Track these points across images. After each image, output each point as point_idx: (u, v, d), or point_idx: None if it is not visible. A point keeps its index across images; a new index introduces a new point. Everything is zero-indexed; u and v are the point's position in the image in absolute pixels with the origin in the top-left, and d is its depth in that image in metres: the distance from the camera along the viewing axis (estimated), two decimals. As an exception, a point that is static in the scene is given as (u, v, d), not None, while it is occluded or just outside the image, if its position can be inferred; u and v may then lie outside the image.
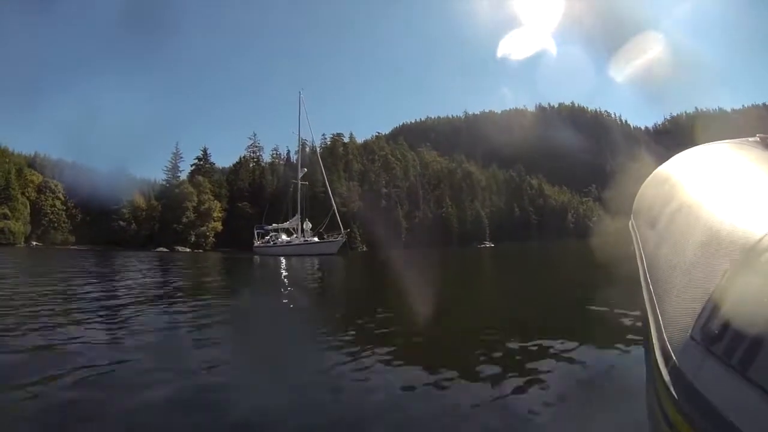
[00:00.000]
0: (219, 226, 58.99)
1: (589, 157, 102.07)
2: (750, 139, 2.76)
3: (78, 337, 4.80)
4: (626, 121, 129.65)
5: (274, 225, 44.74)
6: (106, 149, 71.03)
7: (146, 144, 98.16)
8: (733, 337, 1.23)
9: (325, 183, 44.69)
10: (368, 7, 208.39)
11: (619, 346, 4.38)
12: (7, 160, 54.35)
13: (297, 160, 51.85)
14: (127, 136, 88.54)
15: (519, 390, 3.34)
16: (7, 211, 50.25)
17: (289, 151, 71.51)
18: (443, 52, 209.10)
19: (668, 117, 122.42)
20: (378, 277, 11.76)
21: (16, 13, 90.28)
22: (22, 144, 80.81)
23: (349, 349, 4.46)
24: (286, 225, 44.12)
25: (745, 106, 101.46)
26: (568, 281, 13.25)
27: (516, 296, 9.81)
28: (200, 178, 60.71)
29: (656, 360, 1.61)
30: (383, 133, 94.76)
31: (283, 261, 26.40)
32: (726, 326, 1.27)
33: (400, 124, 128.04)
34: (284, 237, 42.99)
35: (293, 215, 44.21)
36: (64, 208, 56.95)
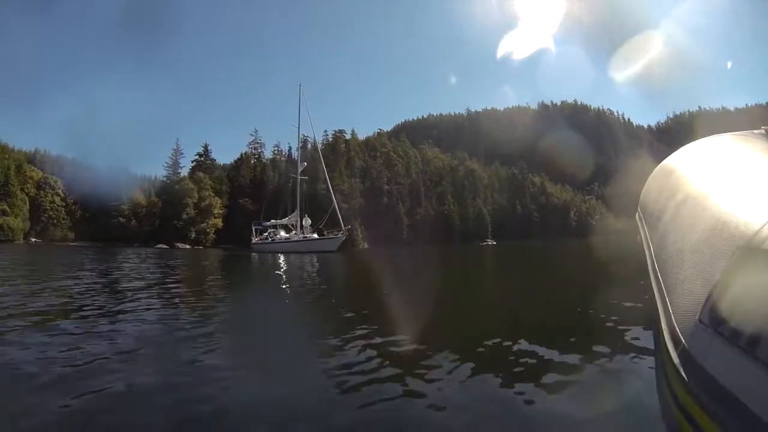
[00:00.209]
0: (219, 222, 58.66)
1: (592, 155, 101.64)
2: (756, 131, 2.83)
3: (69, 342, 4.50)
4: (629, 119, 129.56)
5: (272, 221, 43.95)
6: (106, 146, 71.16)
7: (147, 141, 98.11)
8: (740, 318, 1.26)
9: (326, 179, 43.81)
10: (369, 6, 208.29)
11: (626, 336, 4.54)
12: (7, 156, 54.16)
13: (297, 154, 51.03)
14: (127, 133, 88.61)
15: (525, 379, 3.41)
16: (6, 207, 50.05)
17: (290, 148, 71.15)
18: (444, 50, 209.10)
19: (671, 115, 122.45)
20: (379, 278, 11.51)
21: (16, 12, 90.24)
22: (23, 140, 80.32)
23: (347, 353, 4.31)
24: (284, 221, 43.19)
25: (749, 105, 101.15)
26: (571, 279, 12.98)
27: (520, 293, 9.61)
28: (201, 174, 60.39)
29: (665, 344, 1.62)
30: (385, 130, 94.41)
31: (282, 258, 25.87)
32: (733, 309, 1.30)
33: (402, 121, 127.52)
34: (283, 233, 42.06)
35: (292, 211, 43.17)
36: (64, 204, 56.81)
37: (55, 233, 54.76)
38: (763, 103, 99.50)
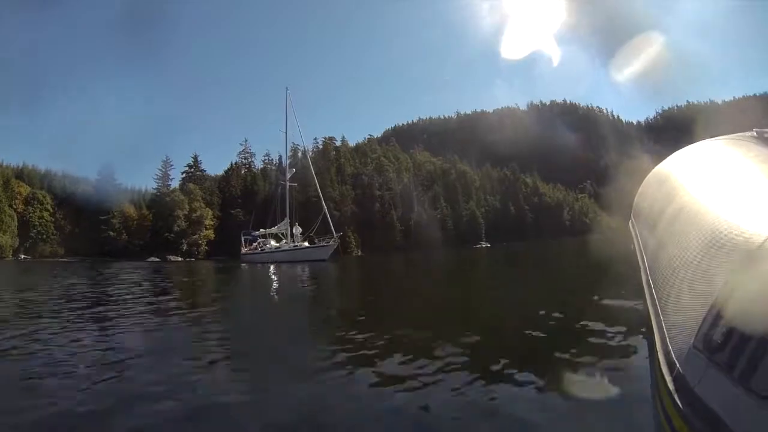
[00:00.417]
0: (211, 234, 58.21)
1: (583, 153, 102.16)
2: (746, 134, 2.76)
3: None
4: (618, 116, 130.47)
5: (261, 230, 43.14)
6: (94, 159, 70.20)
7: (136, 153, 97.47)
8: (734, 347, 1.24)
9: (315, 185, 43.20)
10: (357, 14, 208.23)
11: (623, 345, 4.41)
12: (-6, 172, 53.64)
13: (285, 160, 49.92)
14: (115, 146, 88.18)
15: (520, 396, 3.35)
16: (-7, 224, 49.45)
17: (281, 156, 70.88)
18: (433, 54, 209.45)
19: (659, 111, 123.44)
20: (373, 289, 11.44)
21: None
22: (11, 155, 79.48)
23: (344, 371, 4.28)
24: (274, 230, 42.41)
25: (736, 97, 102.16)
26: (567, 281, 12.87)
27: (514, 300, 9.42)
28: (191, 185, 60.04)
29: (660, 365, 1.59)
30: (375, 136, 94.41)
31: (272, 269, 25.53)
32: (728, 336, 1.28)
33: (392, 126, 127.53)
34: (273, 243, 41.31)
35: (282, 219, 42.33)
36: (53, 219, 56.21)
37: (44, 249, 54.16)
38: (750, 95, 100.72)
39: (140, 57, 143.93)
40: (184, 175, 63.59)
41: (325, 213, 39.08)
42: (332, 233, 37.36)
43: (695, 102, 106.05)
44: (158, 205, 58.58)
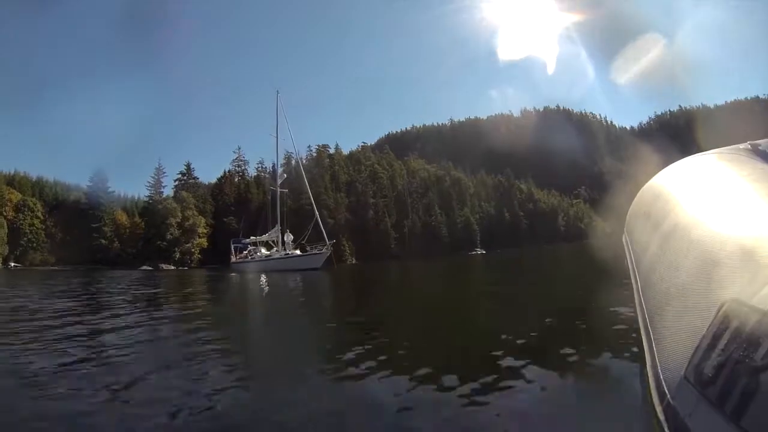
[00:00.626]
0: (204, 242, 57.63)
1: (577, 158, 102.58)
2: (740, 146, 2.74)
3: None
4: (611, 122, 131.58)
5: (251, 238, 42.31)
6: (85, 166, 69.91)
7: (128, 160, 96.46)
8: (726, 381, 1.22)
9: (307, 191, 42.35)
10: (354, 21, 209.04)
11: (616, 361, 4.36)
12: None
13: (275, 165, 49.06)
14: (107, 153, 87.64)
15: (513, 414, 3.32)
16: (-17, 232, 48.85)
17: (274, 164, 70.70)
18: (428, 60, 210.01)
19: (653, 117, 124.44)
20: (367, 299, 11.31)
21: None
22: (2, 162, 78.93)
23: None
24: (264, 238, 41.47)
25: (728, 102, 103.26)
26: (560, 291, 12.73)
27: (505, 311, 9.34)
28: (184, 193, 59.51)
29: (651, 392, 1.58)
30: (369, 144, 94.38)
31: (264, 279, 24.95)
32: (719, 369, 1.26)
33: (386, 134, 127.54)
34: (263, 251, 40.55)
35: (273, 226, 41.26)
36: (43, 227, 55.59)
37: (34, 257, 53.54)
38: (743, 98, 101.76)
39: (133, 64, 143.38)
40: (177, 182, 63.09)
41: (317, 219, 38.15)
42: (325, 240, 36.39)
43: (688, 107, 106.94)
44: (151, 213, 58.02)
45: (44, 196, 59.46)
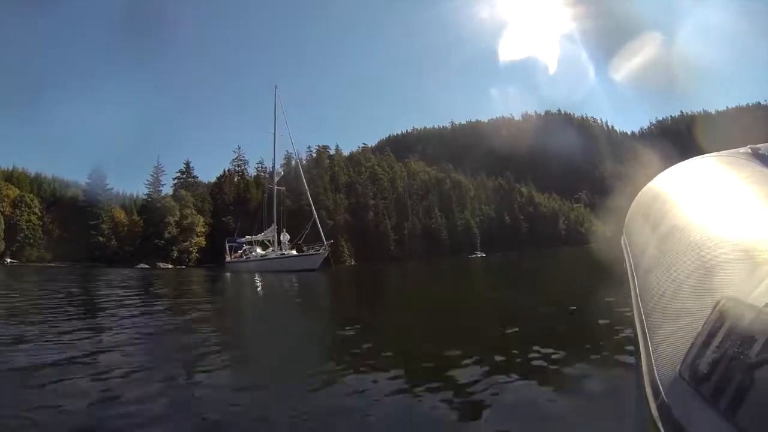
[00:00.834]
0: (202, 241, 57.50)
1: (578, 162, 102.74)
2: (741, 150, 2.50)
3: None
4: (612, 126, 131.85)
5: (247, 237, 41.43)
6: (84, 163, 69.78)
7: (127, 158, 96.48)
8: (721, 378, 1.18)
9: (306, 191, 41.54)
10: (356, 22, 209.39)
11: (611, 361, 4.33)
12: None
13: (272, 162, 47.67)
14: (106, 150, 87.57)
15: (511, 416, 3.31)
16: (-21, 227, 48.67)
17: (274, 163, 70.65)
18: (428, 63, 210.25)
19: (654, 121, 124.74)
20: (362, 302, 11.16)
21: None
22: (1, 158, 78.77)
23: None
24: (260, 237, 40.57)
25: (729, 107, 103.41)
26: (559, 292, 12.58)
27: (505, 311, 9.21)
28: (183, 192, 59.44)
29: (645, 390, 1.51)
30: (370, 145, 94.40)
31: (258, 279, 24.56)
32: (714, 366, 1.21)
33: (387, 136, 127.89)
34: (259, 250, 39.75)
35: (269, 225, 40.23)
36: (41, 223, 55.34)
37: (31, 253, 53.35)
38: (744, 105, 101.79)
39: (133, 63, 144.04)
40: (176, 181, 63.05)
41: (315, 219, 37.40)
42: (323, 241, 35.75)
43: (689, 112, 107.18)
44: (149, 211, 57.90)
45: (42, 192, 59.35)
